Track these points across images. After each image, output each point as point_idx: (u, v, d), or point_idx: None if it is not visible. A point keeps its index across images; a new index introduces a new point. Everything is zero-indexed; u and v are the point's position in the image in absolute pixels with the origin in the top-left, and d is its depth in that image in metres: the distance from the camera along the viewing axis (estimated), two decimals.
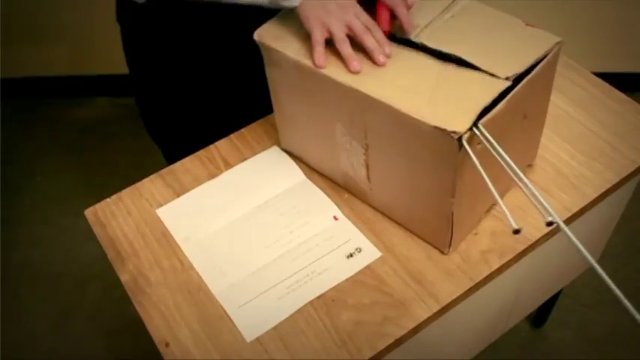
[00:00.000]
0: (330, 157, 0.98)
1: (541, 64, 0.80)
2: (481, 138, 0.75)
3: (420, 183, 0.85)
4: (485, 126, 0.75)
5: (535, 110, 0.89)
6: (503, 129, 0.80)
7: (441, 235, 0.88)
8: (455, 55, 0.81)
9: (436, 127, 0.73)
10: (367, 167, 0.92)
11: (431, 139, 0.75)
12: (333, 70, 0.83)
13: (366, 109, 0.81)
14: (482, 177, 0.82)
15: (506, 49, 0.82)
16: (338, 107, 0.87)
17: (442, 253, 0.90)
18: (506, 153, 0.85)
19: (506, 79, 0.78)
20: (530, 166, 0.99)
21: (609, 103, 1.11)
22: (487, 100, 0.75)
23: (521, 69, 0.78)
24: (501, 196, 0.95)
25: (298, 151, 1.05)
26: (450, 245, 0.89)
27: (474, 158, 0.74)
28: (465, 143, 0.73)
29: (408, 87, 0.79)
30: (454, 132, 0.72)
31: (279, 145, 1.08)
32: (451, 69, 0.81)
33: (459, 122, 0.73)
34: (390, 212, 0.96)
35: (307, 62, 0.84)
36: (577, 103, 1.10)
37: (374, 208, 0.97)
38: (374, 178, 0.93)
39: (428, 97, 0.78)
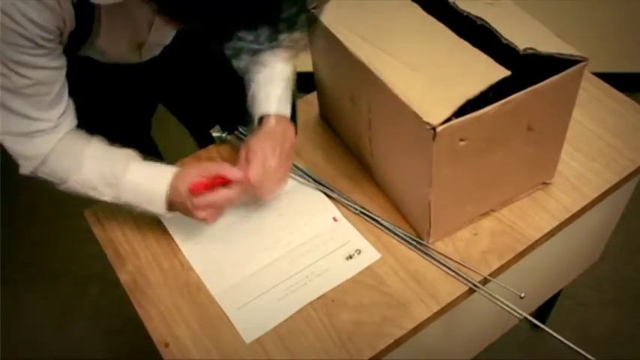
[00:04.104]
0: (347, 127, 1.01)
1: (554, 78, 0.78)
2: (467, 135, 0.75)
3: (407, 167, 0.87)
4: (468, 124, 0.75)
5: (546, 125, 0.87)
6: (497, 134, 0.80)
7: (421, 222, 0.89)
8: (480, 18, 0.82)
9: (415, 114, 0.74)
10: (370, 142, 0.93)
11: (412, 124, 0.76)
12: (351, 40, 0.85)
13: (369, 84, 0.83)
14: (466, 174, 0.83)
15: (532, 36, 0.81)
16: (349, 79, 0.89)
17: (426, 245, 0.91)
18: (504, 162, 0.86)
19: (524, 50, 0.77)
20: (545, 184, 0.98)
21: (609, 103, 1.10)
22: (474, 91, 0.74)
23: (541, 49, 0.78)
24: (505, 206, 0.95)
25: (329, 118, 1.10)
26: (429, 235, 0.89)
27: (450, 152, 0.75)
28: (439, 136, 0.73)
29: (412, 62, 0.80)
30: (428, 123, 0.72)
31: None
32: (463, 47, 0.81)
33: (438, 113, 0.73)
34: (387, 191, 0.98)
35: (334, 31, 0.87)
36: (577, 103, 1.10)
37: (378, 184, 1.00)
38: (375, 154, 0.94)
39: (426, 75, 0.78)
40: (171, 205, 0.88)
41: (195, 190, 0.86)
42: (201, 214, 0.87)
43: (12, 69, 0.75)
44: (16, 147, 0.83)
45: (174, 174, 0.87)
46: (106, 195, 0.87)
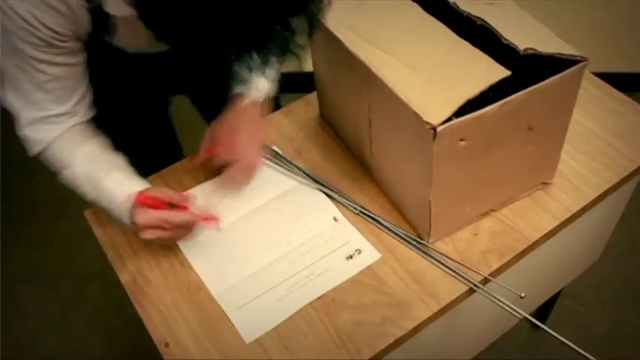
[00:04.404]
0: (347, 127, 1.01)
1: (554, 78, 0.78)
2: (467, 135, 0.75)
3: (407, 167, 0.87)
4: (468, 124, 0.75)
5: (546, 125, 0.87)
6: (497, 134, 0.80)
7: (421, 222, 0.90)
8: (480, 19, 0.82)
9: (416, 114, 0.74)
10: (370, 142, 0.93)
11: (413, 124, 0.76)
12: (352, 40, 0.85)
13: (369, 84, 0.83)
14: (466, 174, 0.83)
15: (532, 36, 0.81)
16: (349, 79, 0.89)
17: (426, 245, 0.91)
18: (504, 162, 0.86)
19: (524, 50, 0.77)
20: (545, 184, 0.98)
21: (609, 103, 1.10)
22: (474, 91, 0.74)
23: (541, 49, 0.77)
24: (505, 206, 0.95)
25: (329, 118, 1.10)
26: (429, 235, 0.90)
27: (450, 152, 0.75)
28: (439, 136, 0.73)
29: (412, 62, 0.80)
30: (428, 123, 0.73)
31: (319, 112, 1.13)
32: (463, 47, 0.81)
33: (438, 113, 0.73)
34: (387, 191, 0.98)
35: (334, 31, 0.87)
36: (577, 103, 1.10)
37: (378, 184, 1.00)
38: (375, 154, 0.95)
39: (426, 75, 0.78)
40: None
41: (141, 201, 0.85)
42: (145, 233, 0.85)
43: (32, 65, 0.79)
44: (25, 130, 0.87)
45: (142, 190, 0.88)
46: (89, 195, 0.90)
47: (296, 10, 0.63)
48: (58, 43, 0.78)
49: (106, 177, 0.88)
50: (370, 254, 0.92)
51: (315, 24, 0.67)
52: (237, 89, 0.99)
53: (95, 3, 0.77)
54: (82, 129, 0.90)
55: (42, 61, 0.79)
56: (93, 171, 0.89)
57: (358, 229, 0.95)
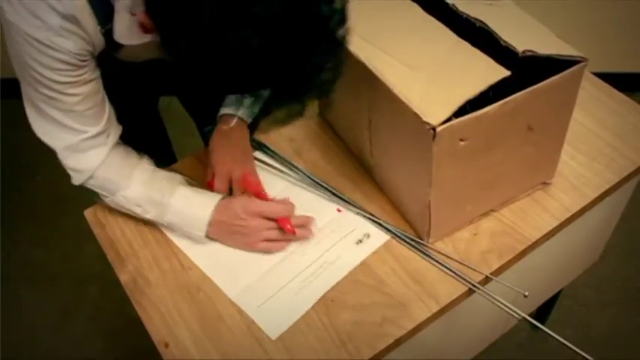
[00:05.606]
0: (347, 127, 1.02)
1: (554, 78, 0.78)
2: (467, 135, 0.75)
3: (407, 167, 0.87)
4: (468, 124, 0.75)
5: (546, 125, 0.87)
6: (497, 134, 0.80)
7: (421, 222, 0.90)
8: (479, 21, 0.82)
9: (415, 114, 0.74)
10: (370, 142, 0.94)
11: (412, 124, 0.76)
12: (351, 40, 0.84)
13: (369, 84, 0.83)
14: (466, 174, 0.83)
15: (532, 36, 0.81)
16: (349, 79, 0.88)
17: (426, 245, 0.91)
18: (504, 162, 0.86)
19: (523, 52, 0.77)
20: (545, 184, 0.98)
21: (609, 103, 1.10)
22: (474, 91, 0.74)
23: (540, 51, 0.77)
24: (505, 206, 0.95)
25: (329, 118, 1.10)
26: (428, 235, 0.90)
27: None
28: (439, 136, 0.73)
29: (412, 62, 0.80)
30: (427, 123, 0.73)
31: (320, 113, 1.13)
32: (463, 47, 0.81)
33: (438, 113, 0.73)
34: (387, 191, 0.98)
35: None
36: (577, 103, 1.10)
37: (378, 184, 1.00)
38: (375, 154, 0.95)
39: (426, 75, 0.78)
40: (213, 227, 0.91)
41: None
42: (254, 222, 0.89)
43: (60, 91, 0.80)
44: (69, 160, 0.88)
45: (220, 199, 0.92)
46: (150, 214, 0.93)
47: (326, 54, 0.63)
48: (81, 63, 0.80)
49: (171, 196, 0.91)
50: (379, 237, 0.93)
51: (343, 60, 0.67)
52: (227, 109, 1.00)
53: (108, 26, 0.78)
54: (125, 151, 0.92)
55: (69, 84, 0.80)
56: (154, 192, 0.91)
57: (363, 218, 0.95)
